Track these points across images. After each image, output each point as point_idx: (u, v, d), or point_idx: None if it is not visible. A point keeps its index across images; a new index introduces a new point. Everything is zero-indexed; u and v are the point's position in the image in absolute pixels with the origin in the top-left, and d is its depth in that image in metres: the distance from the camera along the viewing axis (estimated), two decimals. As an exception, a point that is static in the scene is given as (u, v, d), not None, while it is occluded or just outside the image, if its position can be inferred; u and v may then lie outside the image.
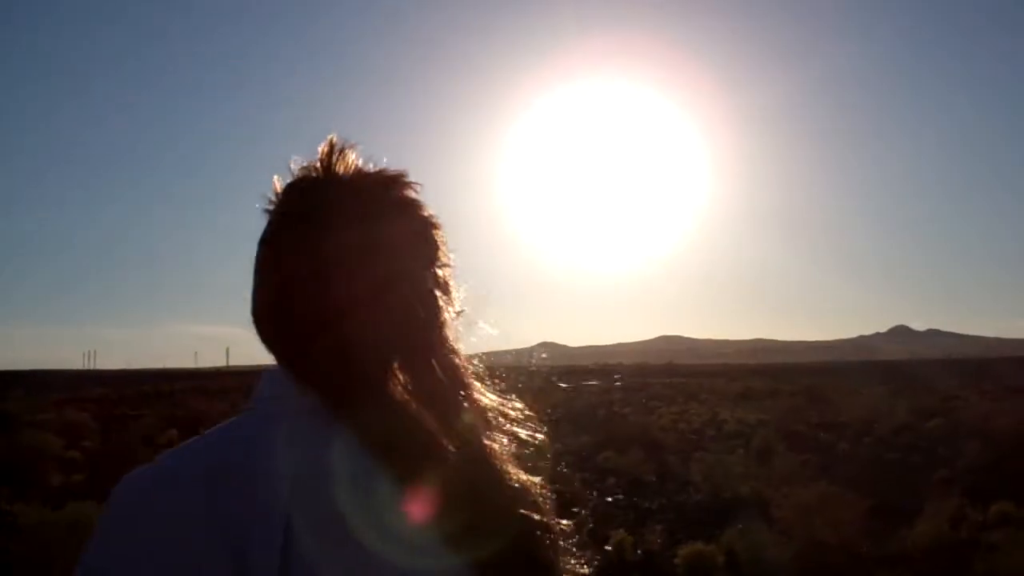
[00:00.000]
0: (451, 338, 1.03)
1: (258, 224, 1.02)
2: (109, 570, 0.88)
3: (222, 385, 60.05)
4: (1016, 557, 7.73)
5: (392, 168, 1.03)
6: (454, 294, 1.04)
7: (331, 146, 1.01)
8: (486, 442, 1.02)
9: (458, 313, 1.05)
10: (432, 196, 1.07)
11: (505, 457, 1.03)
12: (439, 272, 1.03)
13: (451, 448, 0.96)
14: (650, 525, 10.92)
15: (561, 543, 1.04)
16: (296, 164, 1.02)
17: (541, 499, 1.03)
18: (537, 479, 1.04)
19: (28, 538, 7.44)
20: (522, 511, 0.99)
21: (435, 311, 1.02)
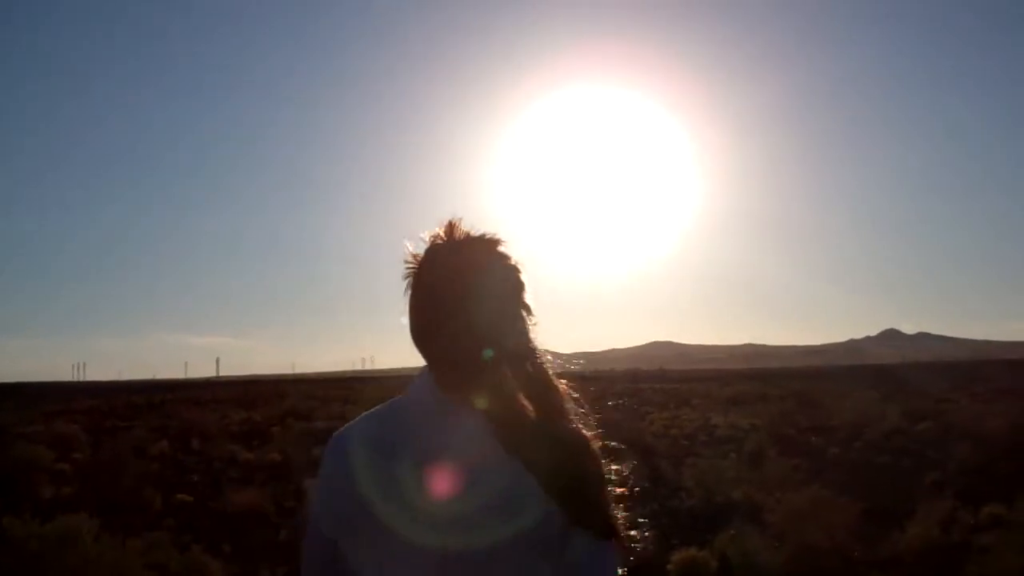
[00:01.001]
0: (538, 345, 1.57)
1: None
2: (313, 504, 1.55)
3: (213, 395, 59.77)
4: (1007, 559, 7.76)
5: (489, 233, 1.54)
6: (535, 313, 1.56)
7: (450, 223, 1.54)
8: (567, 406, 1.56)
9: (534, 325, 1.58)
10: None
11: (577, 419, 1.56)
12: (525, 300, 1.55)
13: (535, 415, 1.49)
14: (642, 531, 10.93)
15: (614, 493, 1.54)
16: (426, 234, 1.54)
17: (599, 452, 1.55)
18: (592, 433, 1.57)
19: (17, 551, 7.38)
20: (592, 459, 1.52)
21: (526, 327, 1.54)
